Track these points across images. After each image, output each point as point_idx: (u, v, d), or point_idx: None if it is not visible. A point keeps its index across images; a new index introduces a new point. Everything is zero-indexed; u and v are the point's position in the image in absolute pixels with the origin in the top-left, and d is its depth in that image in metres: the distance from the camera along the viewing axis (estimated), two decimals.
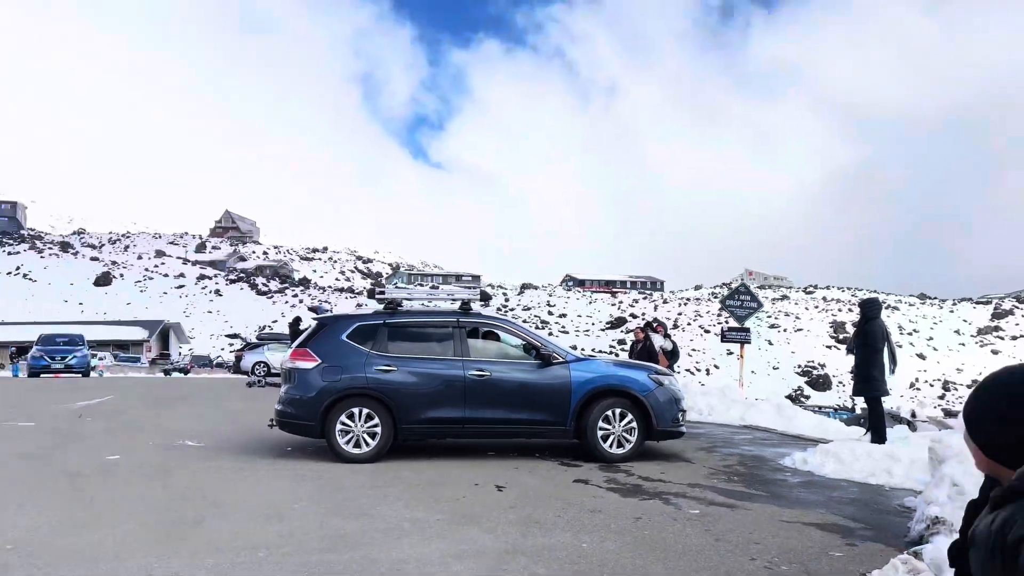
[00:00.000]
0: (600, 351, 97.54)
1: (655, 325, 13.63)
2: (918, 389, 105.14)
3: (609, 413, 8.45)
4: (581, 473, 7.85)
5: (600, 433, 8.41)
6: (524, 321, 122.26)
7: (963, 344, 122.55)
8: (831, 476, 7.82)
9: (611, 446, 8.44)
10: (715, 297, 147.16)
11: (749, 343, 14.94)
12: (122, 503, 6.23)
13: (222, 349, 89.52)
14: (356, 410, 8.25)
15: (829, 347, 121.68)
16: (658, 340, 13.25)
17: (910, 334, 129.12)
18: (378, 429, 8.24)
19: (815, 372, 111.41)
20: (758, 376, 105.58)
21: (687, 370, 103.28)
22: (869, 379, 8.92)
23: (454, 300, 9.12)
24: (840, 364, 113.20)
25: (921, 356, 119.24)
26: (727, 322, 16.94)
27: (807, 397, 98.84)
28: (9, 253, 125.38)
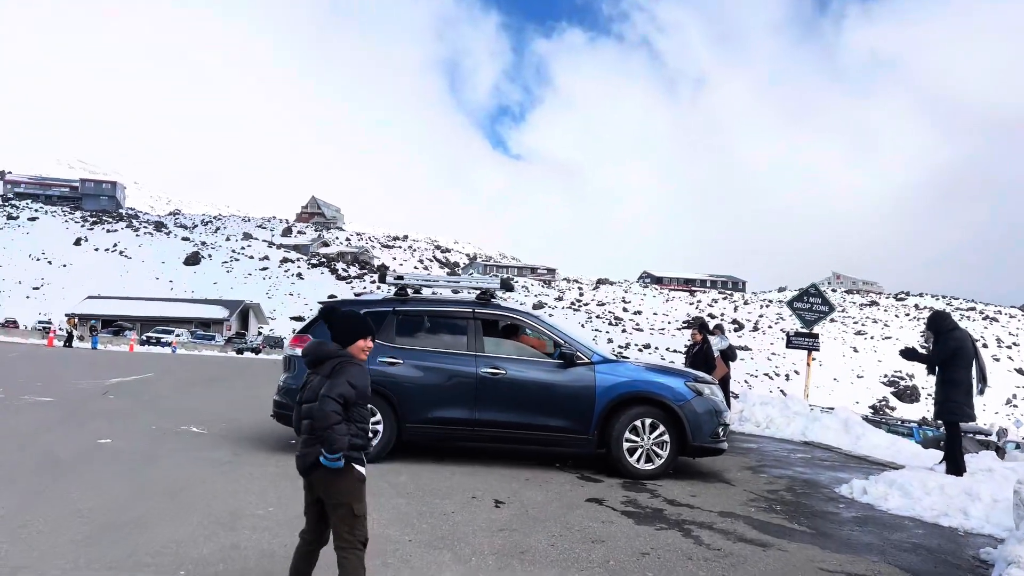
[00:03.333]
0: (675, 351, 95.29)
1: (712, 327, 12.40)
2: (1015, 406, 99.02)
3: (638, 423, 7.48)
4: (598, 490, 6.91)
5: (627, 445, 7.45)
6: (597, 317, 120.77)
7: None
8: (894, 512, 6.65)
9: (638, 460, 7.47)
10: None
11: (817, 351, 13.59)
12: (74, 494, 5.64)
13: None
14: None
15: None
16: (715, 342, 12.06)
17: (1009, 347, 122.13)
18: (379, 427, 7.50)
19: (902, 383, 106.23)
20: (841, 384, 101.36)
21: (765, 375, 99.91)
22: (946, 401, 7.66)
23: (473, 289, 8.28)
24: (932, 376, 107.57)
25: (1021, 371, 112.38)
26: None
27: (892, 408, 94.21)
28: (108, 231, 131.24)
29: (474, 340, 7.69)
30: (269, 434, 8.80)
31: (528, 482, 7.07)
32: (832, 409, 12.65)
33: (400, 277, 8.19)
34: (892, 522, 6.33)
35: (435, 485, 6.72)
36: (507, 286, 8.16)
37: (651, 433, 7.47)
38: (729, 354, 12.26)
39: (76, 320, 44.88)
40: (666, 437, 7.46)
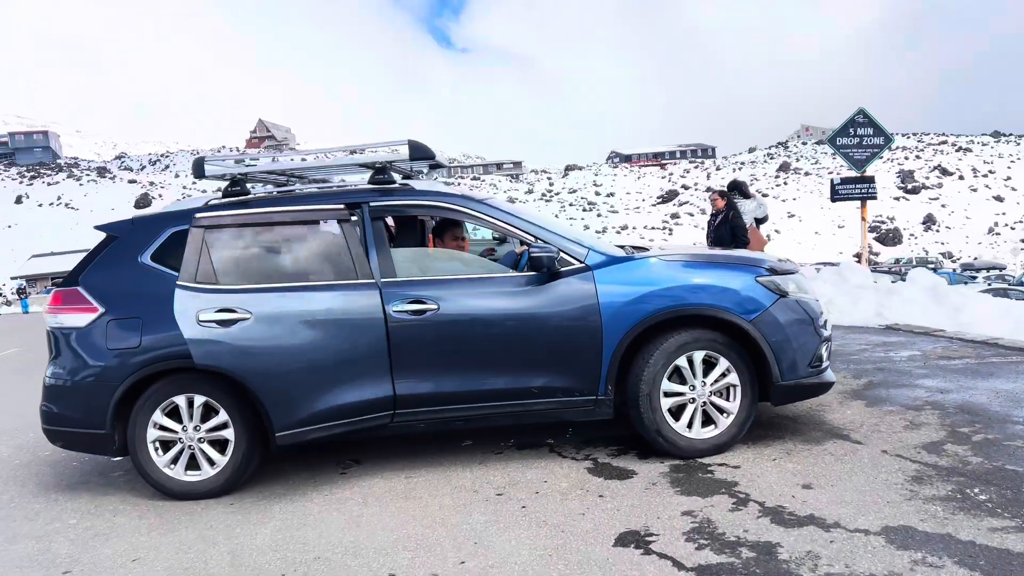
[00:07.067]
0: (653, 228, 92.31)
1: (743, 187, 9.03)
2: (998, 234, 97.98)
3: (682, 362, 4.21)
4: (632, 503, 3.70)
5: (667, 403, 4.22)
6: (571, 205, 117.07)
7: None
8: None
9: (690, 425, 4.26)
10: (772, 158, 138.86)
11: (874, 198, 10.37)
12: None
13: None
14: (182, 400, 4.21)
15: (897, 198, 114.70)
16: (748, 207, 8.72)
17: (985, 176, 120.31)
18: (228, 434, 4.22)
19: (883, 227, 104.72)
20: (823, 236, 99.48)
21: None
22: None
23: (365, 168, 4.80)
24: (911, 216, 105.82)
25: (999, 198, 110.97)
26: (838, 172, 12.22)
27: (876, 254, 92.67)
28: (48, 184, 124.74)
29: (375, 256, 4.30)
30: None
31: (500, 500, 3.86)
32: (903, 275, 9.55)
33: (242, 161, 4.75)
34: None
35: (323, 538, 3.50)
36: (423, 154, 4.65)
37: (707, 375, 4.23)
38: (761, 219, 8.98)
39: None
40: (734, 378, 4.23)
